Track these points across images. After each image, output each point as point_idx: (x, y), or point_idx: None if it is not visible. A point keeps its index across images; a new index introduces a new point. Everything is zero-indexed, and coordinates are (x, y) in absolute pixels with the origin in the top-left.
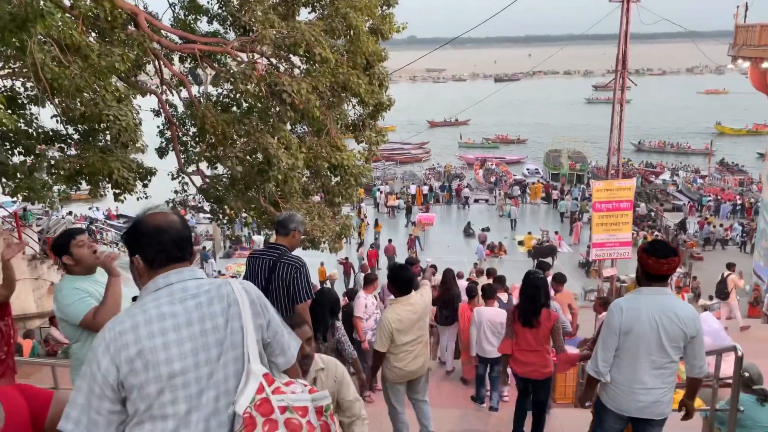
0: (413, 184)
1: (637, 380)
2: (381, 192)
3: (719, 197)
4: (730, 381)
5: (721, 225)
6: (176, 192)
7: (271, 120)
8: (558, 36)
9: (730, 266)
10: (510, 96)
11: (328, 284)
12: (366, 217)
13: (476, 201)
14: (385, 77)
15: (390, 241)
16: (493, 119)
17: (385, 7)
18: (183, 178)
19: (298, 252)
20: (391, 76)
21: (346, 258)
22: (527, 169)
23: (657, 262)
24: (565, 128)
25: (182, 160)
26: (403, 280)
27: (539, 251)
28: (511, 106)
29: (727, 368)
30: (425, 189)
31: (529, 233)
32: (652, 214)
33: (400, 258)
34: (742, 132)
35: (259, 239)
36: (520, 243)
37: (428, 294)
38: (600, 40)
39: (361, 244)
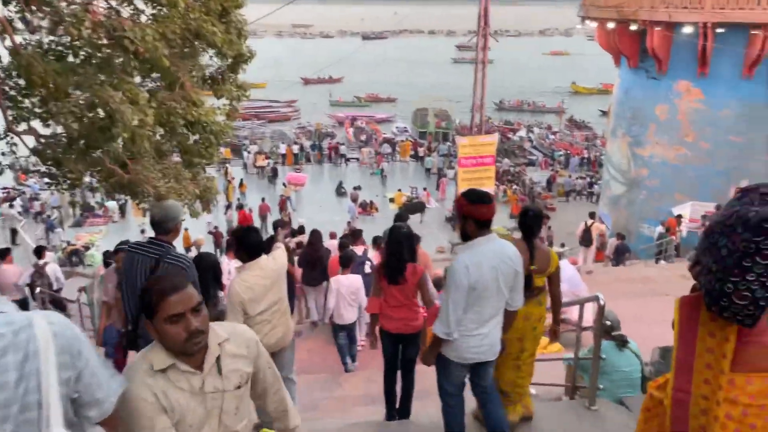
0: (283, 143)
1: (479, 329)
2: (249, 152)
3: (569, 152)
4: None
5: (570, 176)
6: (2, 154)
7: (115, 72)
8: None
9: (593, 215)
10: (379, 54)
11: (194, 251)
12: (233, 179)
13: (347, 160)
14: (243, 25)
15: (263, 199)
16: (364, 77)
17: None
18: (12, 137)
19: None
20: (255, 31)
21: (216, 227)
22: (396, 128)
23: (487, 209)
24: (432, 87)
25: (10, 118)
26: (250, 244)
27: (409, 208)
28: (380, 65)
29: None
30: (296, 148)
31: (400, 190)
32: (512, 169)
33: (273, 217)
34: (593, 91)
35: (112, 206)
36: (392, 200)
37: (281, 256)
38: (461, 1)
39: (229, 207)
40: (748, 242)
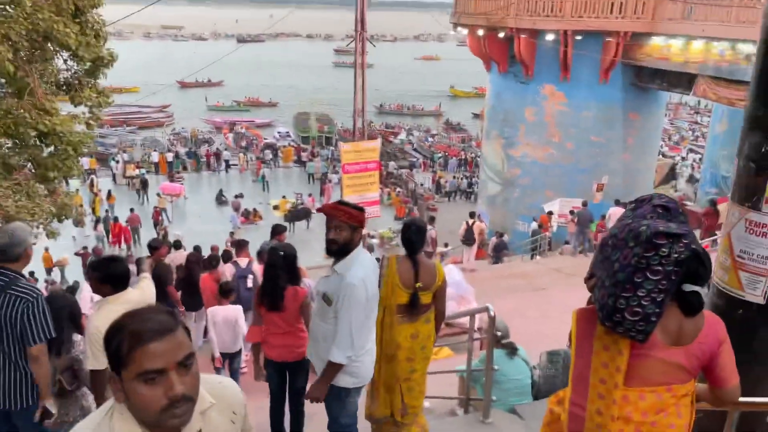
0: (156, 150)
1: (370, 344)
2: (118, 161)
3: (447, 153)
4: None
5: (454, 177)
6: None
7: None
8: None
9: (473, 215)
10: (257, 57)
11: (57, 272)
12: (100, 191)
13: (228, 166)
14: (101, 26)
15: (132, 210)
16: (242, 81)
17: None
18: None
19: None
20: (121, 32)
21: (85, 247)
22: (278, 132)
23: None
24: (313, 91)
25: None
26: (112, 275)
27: (294, 214)
28: (258, 68)
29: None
30: (170, 156)
31: (284, 197)
32: (395, 172)
33: (146, 231)
34: (470, 94)
35: None
36: (275, 207)
37: (149, 287)
38: (339, 4)
39: (98, 221)
40: (639, 257)
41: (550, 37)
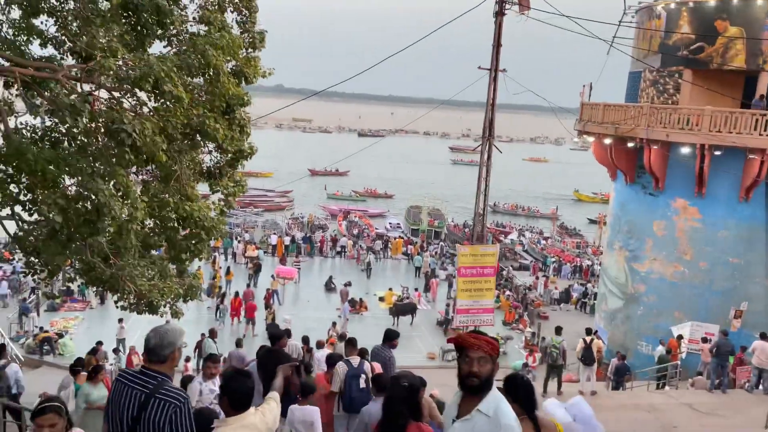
0: (275, 233)
1: None
2: (239, 241)
3: (561, 258)
4: None
5: (574, 285)
6: None
7: (109, 163)
8: (418, 98)
9: (590, 331)
10: (376, 151)
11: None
12: (220, 268)
13: (339, 253)
14: (246, 123)
15: (248, 285)
16: (362, 172)
17: (250, 50)
18: None
19: (136, 319)
20: (256, 122)
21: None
22: (390, 223)
23: None
24: (427, 186)
25: None
26: (237, 392)
27: (400, 308)
28: (377, 162)
29: None
30: (287, 240)
31: (390, 289)
32: (504, 272)
33: (260, 312)
34: (596, 200)
35: (91, 292)
36: (381, 299)
37: (272, 412)
38: (457, 105)
39: (223, 297)
40: None
41: (684, 150)
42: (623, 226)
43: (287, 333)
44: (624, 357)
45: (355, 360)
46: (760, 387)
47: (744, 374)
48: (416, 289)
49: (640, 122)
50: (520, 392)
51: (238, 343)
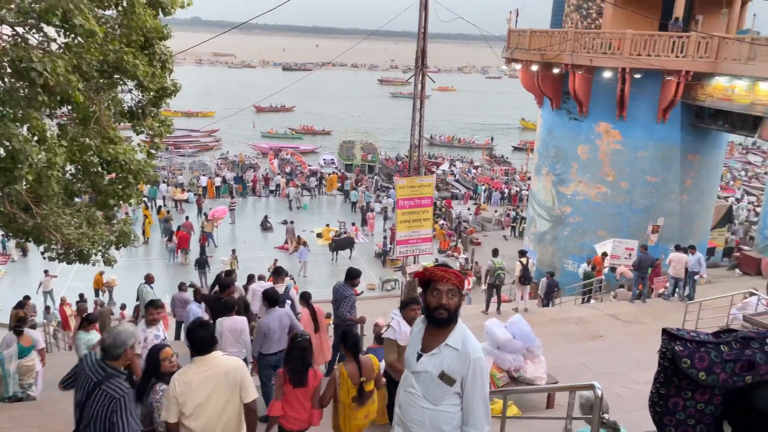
0: (203, 175)
1: None
2: (168, 184)
3: (491, 186)
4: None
5: (495, 211)
6: None
7: (20, 105)
8: (344, 29)
9: (523, 253)
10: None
11: (105, 293)
12: (149, 215)
13: (272, 192)
14: (168, 58)
15: (187, 218)
16: (305, 108)
17: None
18: None
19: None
20: (175, 58)
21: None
22: (324, 159)
23: None
24: (365, 121)
25: None
26: (194, 340)
27: (338, 243)
28: (306, 97)
29: (536, 370)
30: (218, 180)
31: (327, 225)
32: (437, 203)
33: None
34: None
35: (11, 244)
36: (319, 235)
37: (240, 368)
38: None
39: (171, 235)
40: None
41: (607, 74)
42: (550, 152)
43: (228, 274)
44: (553, 275)
45: (281, 287)
46: (676, 294)
47: (661, 284)
48: (353, 224)
49: (565, 48)
50: (348, 341)
51: (180, 287)
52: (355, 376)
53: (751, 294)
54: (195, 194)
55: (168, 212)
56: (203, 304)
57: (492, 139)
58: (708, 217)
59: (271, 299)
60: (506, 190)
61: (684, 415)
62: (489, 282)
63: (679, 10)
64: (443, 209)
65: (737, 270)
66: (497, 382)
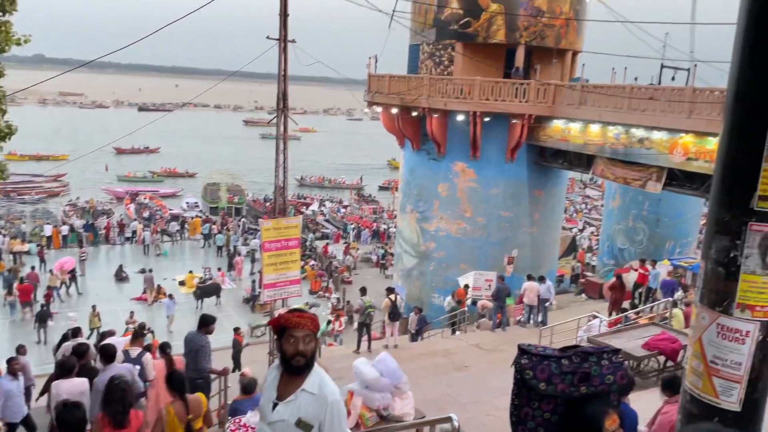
0: (48, 223)
1: None
2: (4, 235)
3: (360, 225)
4: None
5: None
6: None
7: None
8: (206, 70)
9: (392, 290)
10: (164, 126)
11: None
12: None
13: (129, 239)
14: (1, 98)
15: (33, 268)
16: (170, 151)
17: None
18: None
19: None
20: (14, 98)
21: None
22: (187, 203)
23: None
24: (227, 161)
25: None
26: (68, 424)
27: (204, 290)
28: (167, 138)
29: (404, 406)
30: (65, 229)
31: (191, 272)
32: (308, 243)
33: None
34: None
35: None
36: (182, 283)
37: None
38: (247, 77)
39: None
40: None
41: (460, 117)
42: (413, 190)
43: (75, 332)
44: (421, 310)
45: (136, 351)
46: (531, 321)
47: (518, 312)
48: (219, 269)
49: (422, 92)
50: (174, 380)
51: (18, 350)
52: (181, 415)
53: (594, 317)
54: (37, 245)
55: (14, 263)
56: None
57: (361, 179)
58: (555, 247)
59: (107, 355)
60: (375, 228)
61: (534, 424)
62: (359, 321)
63: (519, 60)
64: (314, 249)
65: (583, 295)
66: (366, 422)
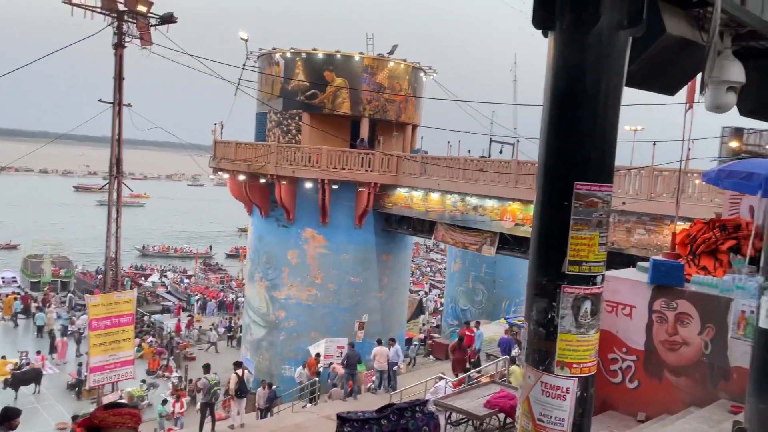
0: None
1: None
2: None
3: (205, 296)
4: None
5: (213, 325)
6: None
7: None
8: (31, 131)
9: (239, 364)
10: None
11: None
12: None
13: None
14: None
15: None
16: None
17: None
18: None
19: None
20: None
21: None
22: (2, 278)
23: None
24: (56, 230)
25: None
26: None
27: (20, 377)
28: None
29: None
30: None
31: (3, 357)
32: (146, 319)
33: None
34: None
35: None
36: None
37: None
38: (79, 140)
39: None
40: None
41: (308, 184)
42: (262, 258)
43: None
44: (271, 385)
45: None
46: (382, 387)
47: (368, 378)
48: (38, 352)
49: (270, 160)
50: None
51: None
52: None
53: (440, 378)
54: None
55: None
56: None
57: (211, 247)
58: (403, 310)
59: None
60: (221, 299)
61: None
62: (202, 401)
63: (364, 131)
64: (152, 325)
65: (431, 356)
66: None
